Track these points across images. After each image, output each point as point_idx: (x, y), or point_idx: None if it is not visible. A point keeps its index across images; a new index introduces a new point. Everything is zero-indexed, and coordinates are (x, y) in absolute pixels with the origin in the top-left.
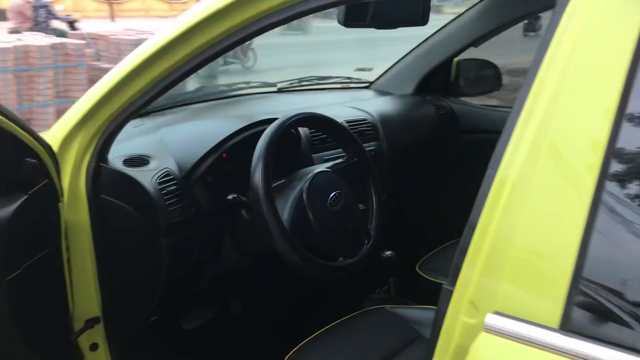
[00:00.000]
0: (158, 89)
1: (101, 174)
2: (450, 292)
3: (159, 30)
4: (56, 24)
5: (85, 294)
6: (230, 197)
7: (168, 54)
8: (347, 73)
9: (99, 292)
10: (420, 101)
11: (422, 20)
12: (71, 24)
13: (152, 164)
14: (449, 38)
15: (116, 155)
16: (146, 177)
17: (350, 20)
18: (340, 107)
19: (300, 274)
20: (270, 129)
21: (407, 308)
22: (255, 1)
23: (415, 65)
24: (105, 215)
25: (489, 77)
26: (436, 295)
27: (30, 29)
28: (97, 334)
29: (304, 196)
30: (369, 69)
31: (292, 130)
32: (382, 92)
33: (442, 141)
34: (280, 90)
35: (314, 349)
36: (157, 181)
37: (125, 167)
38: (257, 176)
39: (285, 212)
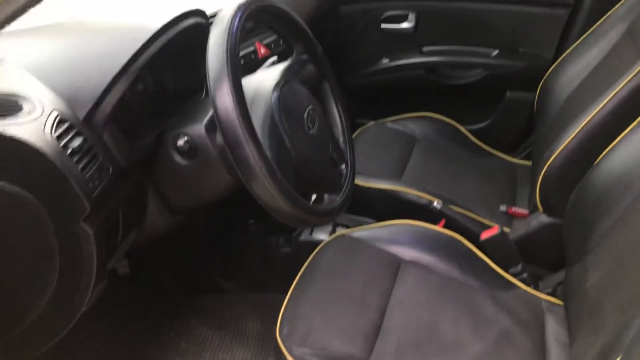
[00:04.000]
0: None
1: None
2: None
3: None
4: None
5: None
6: (180, 141)
7: None
8: None
9: None
10: None
11: None
12: None
13: (29, 108)
14: None
15: None
16: (31, 130)
17: None
18: None
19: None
20: (221, 26)
21: (368, 229)
22: None
23: None
24: None
25: None
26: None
27: None
28: None
29: (278, 120)
30: None
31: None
32: None
33: None
34: None
35: (303, 301)
36: (54, 135)
37: None
38: (227, 102)
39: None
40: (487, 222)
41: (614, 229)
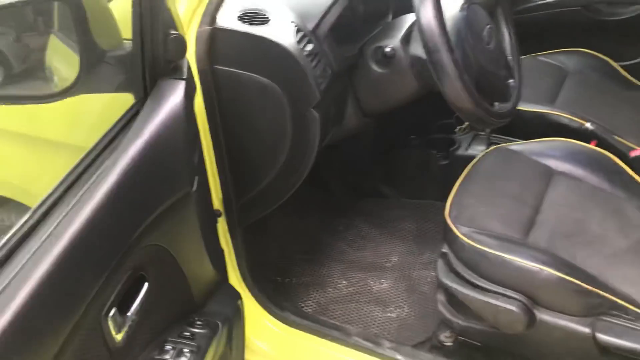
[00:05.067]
0: None
1: (218, 42)
2: None
3: None
4: None
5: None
6: (388, 48)
7: None
8: None
9: (222, 184)
10: None
11: None
12: None
13: (275, 20)
14: None
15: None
16: (278, 35)
17: None
18: None
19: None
20: None
21: (523, 144)
22: None
23: None
24: (229, 94)
25: None
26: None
27: None
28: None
29: (464, 35)
30: None
31: None
32: None
33: None
34: None
35: (467, 195)
36: (295, 39)
37: (249, 27)
38: (430, 15)
39: None
40: (636, 146)
41: None
